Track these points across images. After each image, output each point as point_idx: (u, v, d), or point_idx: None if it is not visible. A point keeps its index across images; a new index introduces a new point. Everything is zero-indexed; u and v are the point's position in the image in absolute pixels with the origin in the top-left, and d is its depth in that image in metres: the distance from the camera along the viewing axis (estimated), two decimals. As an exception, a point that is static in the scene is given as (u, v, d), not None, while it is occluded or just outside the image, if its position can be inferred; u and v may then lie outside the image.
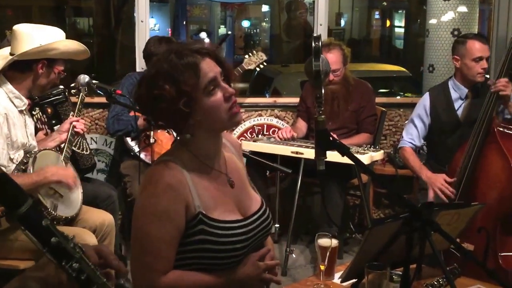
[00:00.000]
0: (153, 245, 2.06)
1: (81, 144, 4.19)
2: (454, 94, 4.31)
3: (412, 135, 4.39)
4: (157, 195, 2.06)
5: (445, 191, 3.91)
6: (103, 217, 3.73)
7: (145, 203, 2.09)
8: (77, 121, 3.75)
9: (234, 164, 2.34)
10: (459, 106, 4.28)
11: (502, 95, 3.84)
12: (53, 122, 4.12)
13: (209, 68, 2.10)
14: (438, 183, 3.96)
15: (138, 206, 2.12)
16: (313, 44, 2.09)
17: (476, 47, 4.15)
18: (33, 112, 3.98)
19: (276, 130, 5.41)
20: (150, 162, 4.28)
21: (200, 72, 2.07)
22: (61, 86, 4.08)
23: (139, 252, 2.11)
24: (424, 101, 4.41)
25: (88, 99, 4.89)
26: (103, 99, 4.16)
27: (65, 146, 3.65)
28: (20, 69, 3.43)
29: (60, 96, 4.14)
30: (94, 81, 3.87)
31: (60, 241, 1.20)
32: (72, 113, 3.90)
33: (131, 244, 2.15)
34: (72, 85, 3.96)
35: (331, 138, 1.97)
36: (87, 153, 4.28)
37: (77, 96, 3.92)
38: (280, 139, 4.79)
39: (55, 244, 1.19)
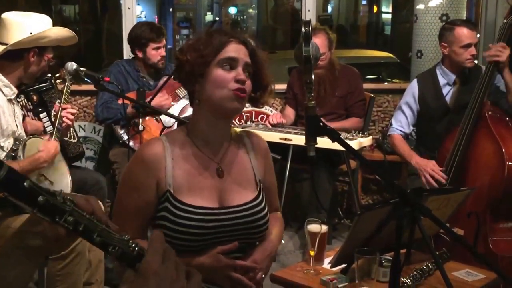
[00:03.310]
0: (121, 213, 2.23)
1: (69, 132, 4.16)
2: (442, 81, 4.29)
3: (401, 122, 4.38)
4: (131, 168, 2.23)
5: (436, 176, 3.90)
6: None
7: (123, 175, 2.27)
8: (65, 109, 3.72)
9: (237, 159, 2.32)
10: (447, 92, 4.27)
11: (497, 62, 3.80)
12: (39, 110, 4.09)
13: (236, 50, 2.19)
14: (429, 169, 3.95)
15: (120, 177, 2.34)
16: (302, 29, 2.07)
17: (465, 34, 4.11)
18: (18, 99, 3.96)
19: (265, 116, 5.41)
20: (139, 149, 4.26)
21: (224, 48, 2.18)
22: (49, 75, 4.05)
23: (113, 217, 2.25)
24: (412, 88, 4.39)
25: (76, 87, 4.88)
26: (91, 87, 4.12)
27: (54, 134, 3.63)
28: (11, 58, 3.41)
29: (46, 84, 4.11)
30: (82, 68, 3.85)
31: (47, 199, 1.16)
32: (58, 100, 3.87)
33: None
34: (57, 75, 3.94)
35: (321, 124, 1.96)
36: (75, 141, 4.25)
37: (63, 85, 3.90)
38: (271, 124, 4.79)
39: (43, 202, 1.16)
